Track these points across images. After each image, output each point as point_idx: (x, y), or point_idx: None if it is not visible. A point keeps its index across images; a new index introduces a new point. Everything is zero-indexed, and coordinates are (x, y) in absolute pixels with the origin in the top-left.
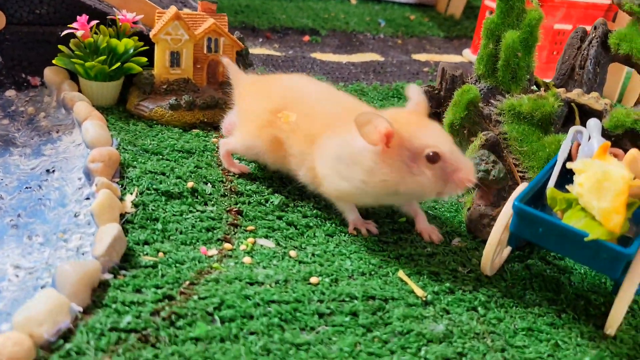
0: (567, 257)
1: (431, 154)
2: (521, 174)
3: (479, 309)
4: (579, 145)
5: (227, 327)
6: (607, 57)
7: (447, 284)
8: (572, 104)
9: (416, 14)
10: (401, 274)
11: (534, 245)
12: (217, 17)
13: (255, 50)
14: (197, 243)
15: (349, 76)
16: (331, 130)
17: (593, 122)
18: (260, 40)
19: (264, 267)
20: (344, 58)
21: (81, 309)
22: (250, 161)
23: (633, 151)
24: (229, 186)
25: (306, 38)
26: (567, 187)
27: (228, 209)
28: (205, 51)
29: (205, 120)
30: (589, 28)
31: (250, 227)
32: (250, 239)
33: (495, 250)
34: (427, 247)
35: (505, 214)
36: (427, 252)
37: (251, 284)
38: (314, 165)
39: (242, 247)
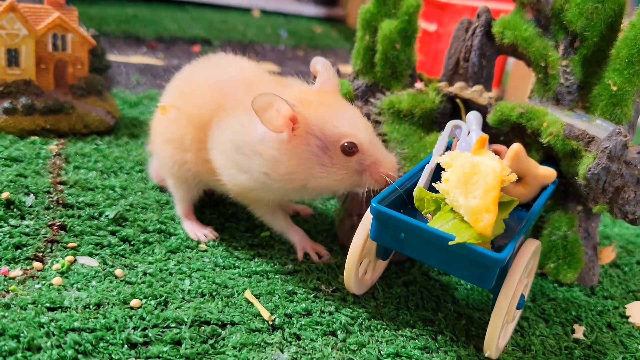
0: (435, 267)
1: (346, 144)
2: None
3: (338, 332)
4: (458, 141)
5: None
6: (493, 48)
7: (304, 305)
8: (457, 99)
9: (324, 26)
10: (248, 294)
11: (415, 260)
12: (65, 11)
13: (134, 59)
14: None
15: None
16: (222, 110)
17: (472, 116)
18: (144, 50)
19: (78, 289)
20: None
21: None
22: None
23: (515, 146)
24: (57, 197)
25: (196, 48)
26: (434, 184)
27: (50, 223)
28: (50, 49)
29: (48, 126)
30: None
31: (72, 244)
32: (69, 257)
33: (358, 263)
34: (288, 264)
35: (367, 219)
36: (287, 270)
37: (52, 309)
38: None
39: (56, 266)
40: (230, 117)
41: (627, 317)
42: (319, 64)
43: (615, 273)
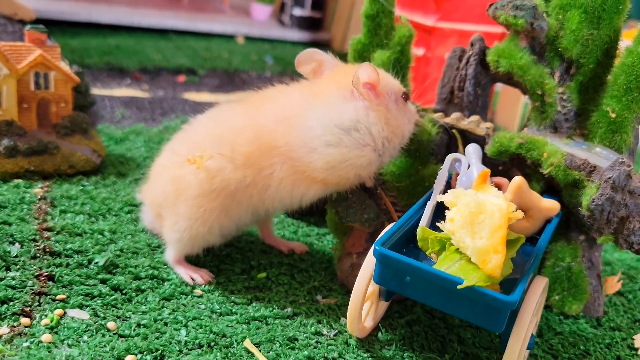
0: (443, 310)
1: (404, 94)
2: (400, 214)
3: None
4: (458, 175)
5: None
6: (488, 77)
7: (306, 352)
8: (454, 130)
9: None
10: (247, 343)
11: None
12: (47, 49)
13: (119, 92)
14: None
15: None
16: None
17: (472, 148)
18: (128, 81)
19: (69, 346)
20: (222, 98)
21: None
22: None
23: (518, 179)
24: (43, 245)
25: (181, 78)
26: (438, 224)
27: (37, 274)
28: (32, 88)
29: (32, 168)
30: None
31: (61, 296)
32: (59, 311)
33: (361, 308)
34: (287, 307)
35: (370, 261)
36: (286, 314)
37: None
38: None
39: (45, 321)
40: (311, 114)
41: (636, 350)
42: (314, 56)
43: (620, 301)
